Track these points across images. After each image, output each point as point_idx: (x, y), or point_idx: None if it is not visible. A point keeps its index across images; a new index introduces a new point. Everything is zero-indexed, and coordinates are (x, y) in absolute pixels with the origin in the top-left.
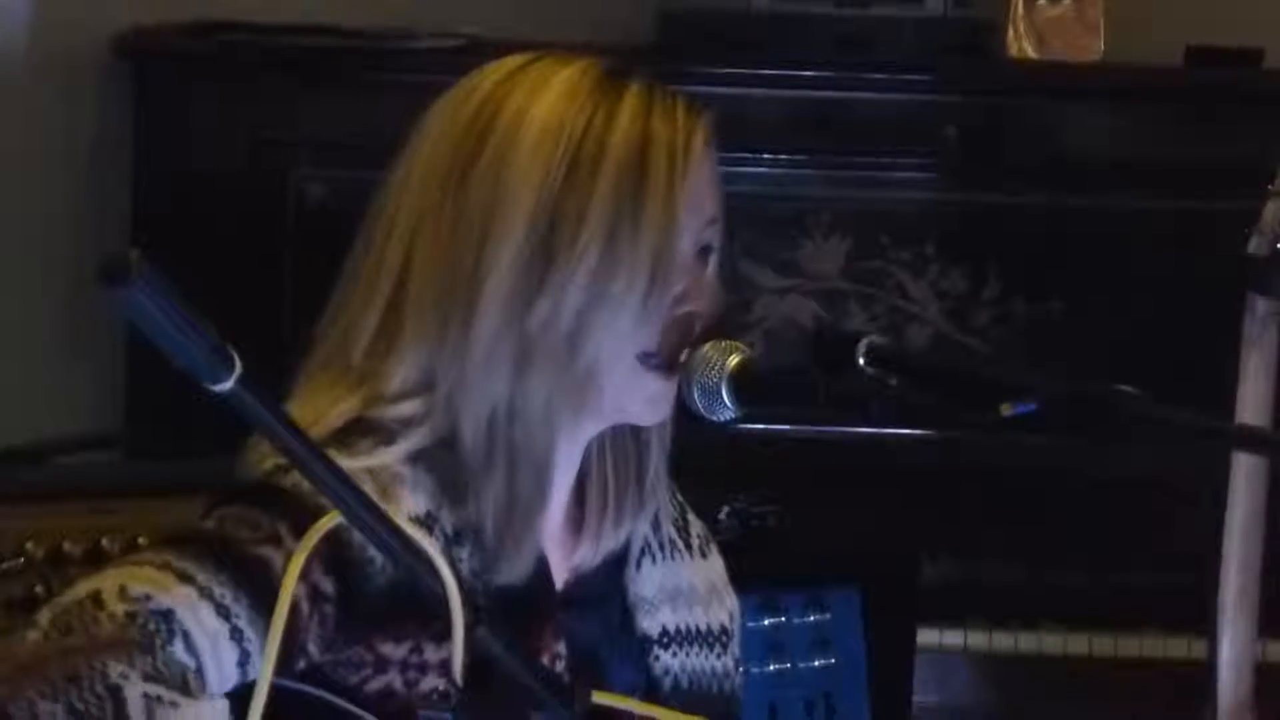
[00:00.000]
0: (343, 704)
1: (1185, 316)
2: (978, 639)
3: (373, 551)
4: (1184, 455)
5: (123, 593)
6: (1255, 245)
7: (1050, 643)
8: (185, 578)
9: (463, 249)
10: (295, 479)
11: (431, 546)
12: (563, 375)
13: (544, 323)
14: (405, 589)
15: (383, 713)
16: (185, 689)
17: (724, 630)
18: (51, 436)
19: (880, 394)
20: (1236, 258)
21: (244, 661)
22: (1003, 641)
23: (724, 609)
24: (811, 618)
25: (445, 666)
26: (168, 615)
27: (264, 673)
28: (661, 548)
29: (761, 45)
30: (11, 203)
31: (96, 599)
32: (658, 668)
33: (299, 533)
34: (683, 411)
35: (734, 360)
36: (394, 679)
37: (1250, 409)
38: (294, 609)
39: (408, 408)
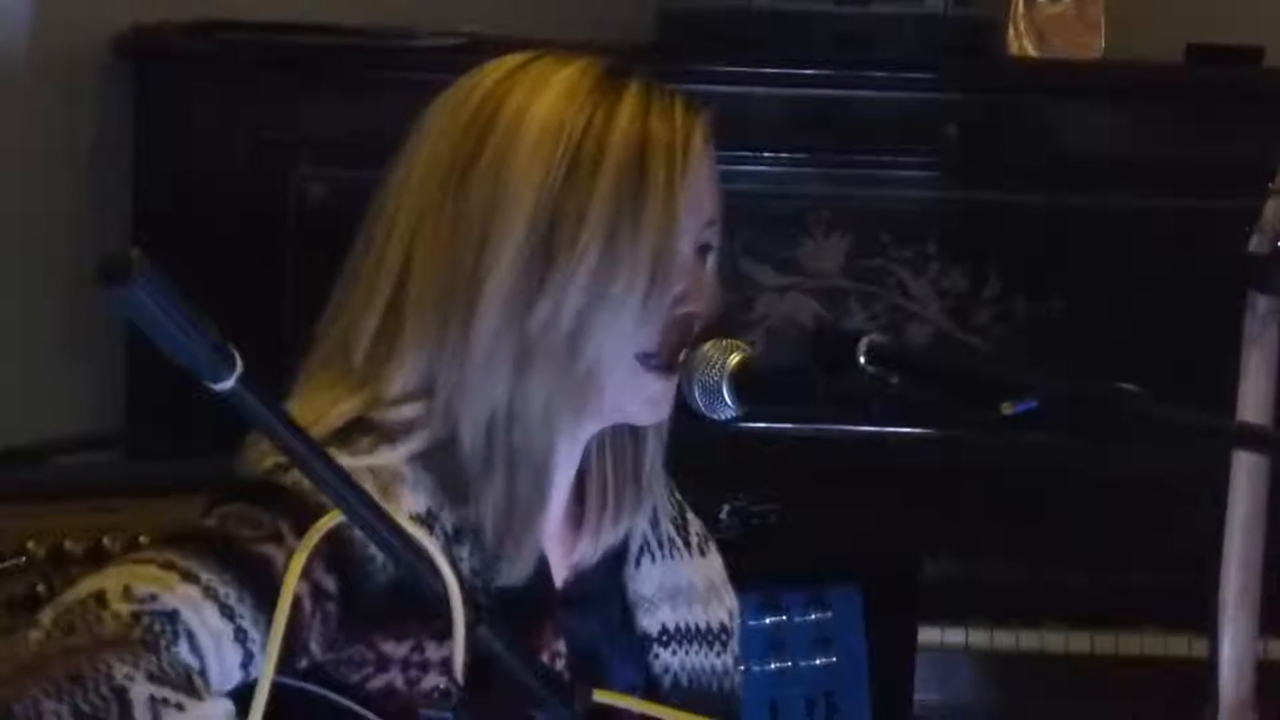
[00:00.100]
0: (345, 702)
1: (1186, 315)
2: (979, 637)
3: (374, 550)
4: (1185, 454)
5: (127, 592)
6: (1256, 243)
7: (1051, 641)
8: (189, 577)
9: (462, 249)
10: (295, 477)
11: (432, 545)
12: (563, 376)
13: (544, 323)
14: (407, 587)
15: (384, 711)
16: (190, 690)
17: (723, 628)
18: (52, 436)
19: (881, 392)
20: (1237, 256)
21: (247, 662)
22: (1004, 640)
23: (723, 607)
24: (812, 616)
25: (447, 665)
26: (172, 616)
27: (265, 671)
28: (660, 546)
29: (762, 43)
30: (12, 202)
31: (100, 598)
32: (657, 666)
33: (300, 531)
34: (683, 410)
35: (735, 359)
36: (395, 677)
37: (1251, 407)
38: (296, 607)
39: (408, 411)
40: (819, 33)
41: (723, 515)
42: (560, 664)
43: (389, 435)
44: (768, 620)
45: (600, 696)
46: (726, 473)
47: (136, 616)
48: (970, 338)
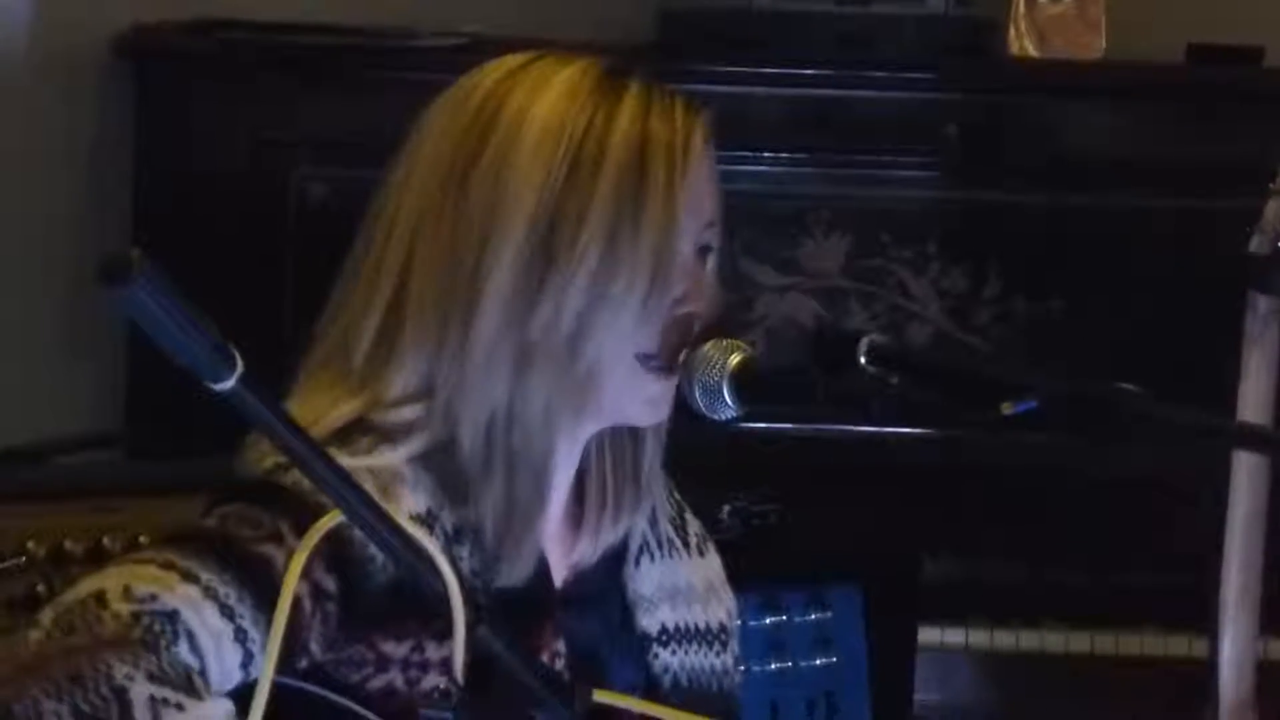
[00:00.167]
0: (345, 703)
1: (1186, 315)
2: (979, 637)
3: (374, 550)
4: (1185, 454)
5: (127, 592)
6: (1256, 244)
7: (1052, 641)
8: (189, 577)
9: (463, 250)
10: (295, 477)
11: (432, 545)
12: (562, 377)
13: (544, 325)
14: (407, 587)
15: (384, 711)
16: (190, 690)
17: (723, 628)
18: (52, 436)
19: (881, 393)
20: (1237, 256)
21: (247, 662)
22: (1004, 640)
23: (722, 607)
24: (813, 616)
25: (447, 665)
26: (172, 616)
27: (266, 671)
28: (660, 545)
29: (762, 43)
30: (12, 202)
31: (100, 598)
32: (657, 666)
33: (300, 531)
34: (683, 410)
35: (735, 359)
36: (395, 677)
37: (1251, 407)
38: (296, 607)
39: (408, 412)
40: (819, 33)
41: (723, 515)
42: (560, 664)
43: (389, 436)
44: (768, 620)
45: (600, 697)
46: (727, 473)
47: (136, 616)
48: (970, 338)
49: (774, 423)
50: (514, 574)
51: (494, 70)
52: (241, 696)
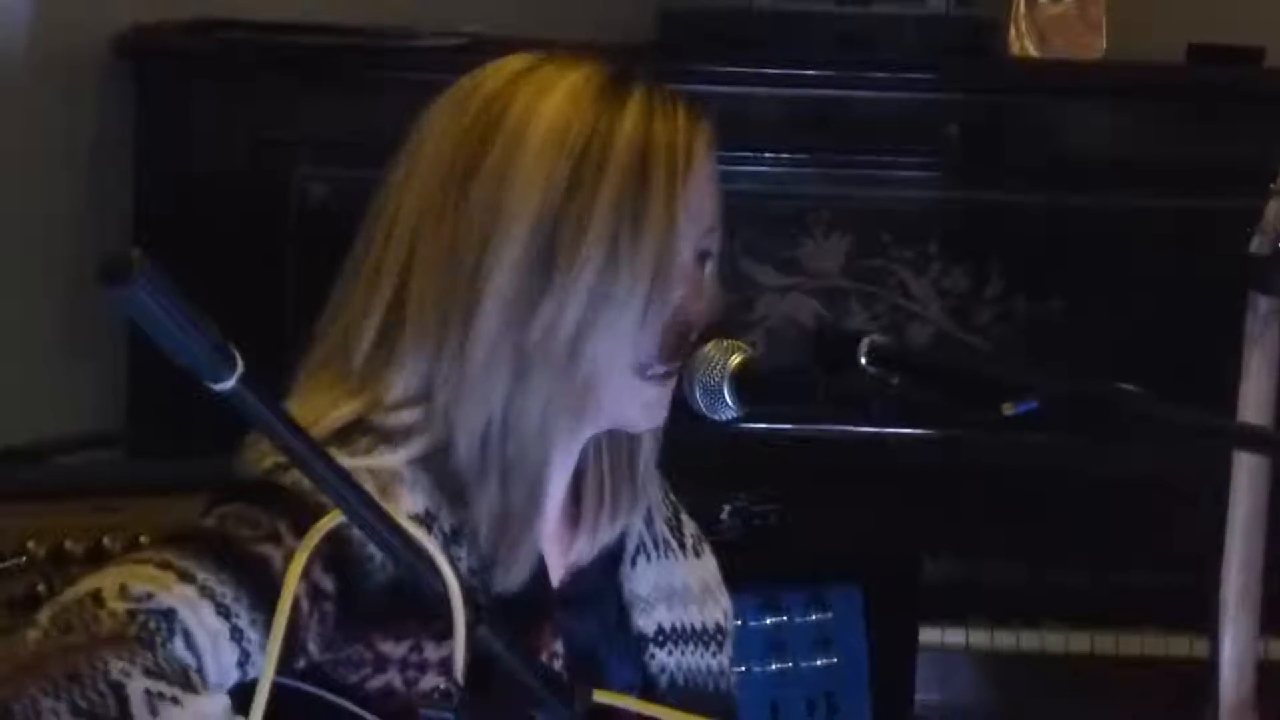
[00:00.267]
0: (344, 703)
1: (1187, 315)
2: (979, 637)
3: (372, 549)
4: (1185, 454)
5: (123, 591)
6: (1257, 244)
7: (1052, 641)
8: (186, 576)
9: (463, 254)
10: (294, 477)
11: (432, 545)
12: (560, 384)
13: (544, 331)
14: (405, 587)
15: (383, 711)
16: (187, 685)
17: (719, 629)
18: (53, 436)
19: (881, 393)
20: (1238, 256)
21: (244, 661)
22: (1004, 640)
23: (718, 608)
24: (813, 617)
25: (445, 665)
26: (168, 614)
27: (266, 671)
28: (656, 546)
29: (763, 43)
30: (12, 202)
31: (97, 597)
32: (654, 666)
33: (298, 531)
34: (684, 410)
35: (735, 359)
36: (394, 677)
37: (1252, 407)
38: (294, 607)
39: (407, 415)
40: (820, 33)
41: (723, 516)
42: (558, 664)
43: (388, 437)
44: (768, 621)
45: (600, 697)
46: (727, 473)
47: (133, 614)
48: (971, 338)
49: (774, 423)
50: (510, 578)
51: (497, 72)
52: (239, 696)
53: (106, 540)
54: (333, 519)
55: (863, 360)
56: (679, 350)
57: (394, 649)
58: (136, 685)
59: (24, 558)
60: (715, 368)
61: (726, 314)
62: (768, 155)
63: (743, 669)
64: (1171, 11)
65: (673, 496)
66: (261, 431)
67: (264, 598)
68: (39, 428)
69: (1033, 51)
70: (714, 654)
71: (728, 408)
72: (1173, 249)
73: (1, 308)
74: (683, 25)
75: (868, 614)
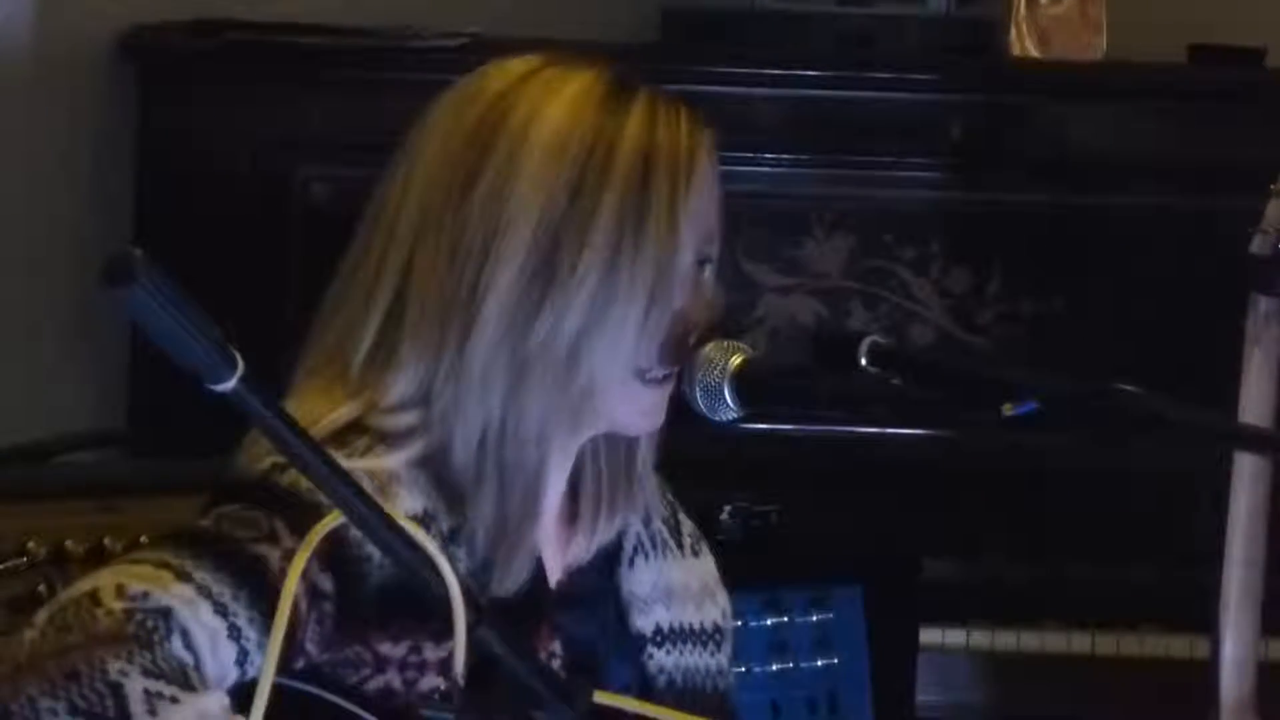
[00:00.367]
0: (343, 703)
1: (1188, 315)
2: (980, 638)
3: (370, 549)
4: (1187, 454)
5: (120, 591)
6: (1258, 244)
7: (1053, 641)
8: (183, 575)
9: (464, 259)
10: (293, 478)
11: (432, 545)
12: (558, 393)
13: (543, 341)
14: (403, 588)
15: (383, 712)
16: (186, 684)
17: (717, 628)
18: (54, 435)
19: (882, 394)
20: (1239, 257)
21: (242, 660)
22: (1005, 640)
23: (716, 607)
24: (814, 617)
25: (444, 666)
26: (166, 613)
27: (266, 671)
28: (654, 546)
29: (764, 44)
30: (14, 203)
31: (94, 597)
32: (652, 666)
33: (296, 532)
34: (685, 411)
35: (736, 360)
36: (393, 678)
37: (1253, 407)
38: (293, 607)
39: (405, 418)
40: (821, 33)
41: (724, 516)
42: (556, 665)
43: (386, 439)
44: (769, 621)
45: (600, 698)
46: (728, 474)
47: (130, 614)
48: (973, 338)
49: (775, 424)
50: (507, 583)
51: (500, 76)
52: (238, 696)
53: (108, 540)
54: (333, 519)
55: (863, 361)
56: (679, 354)
57: (392, 650)
58: (135, 685)
59: (25, 558)
60: (716, 369)
61: (727, 315)
62: (769, 156)
63: (743, 669)
64: (1172, 12)
65: (670, 496)
66: (262, 432)
67: (262, 597)
68: (40, 427)
69: (1033, 52)
70: (712, 654)
71: (728, 408)
72: (1174, 249)
73: (3, 308)
74: (684, 25)
75: (868, 614)
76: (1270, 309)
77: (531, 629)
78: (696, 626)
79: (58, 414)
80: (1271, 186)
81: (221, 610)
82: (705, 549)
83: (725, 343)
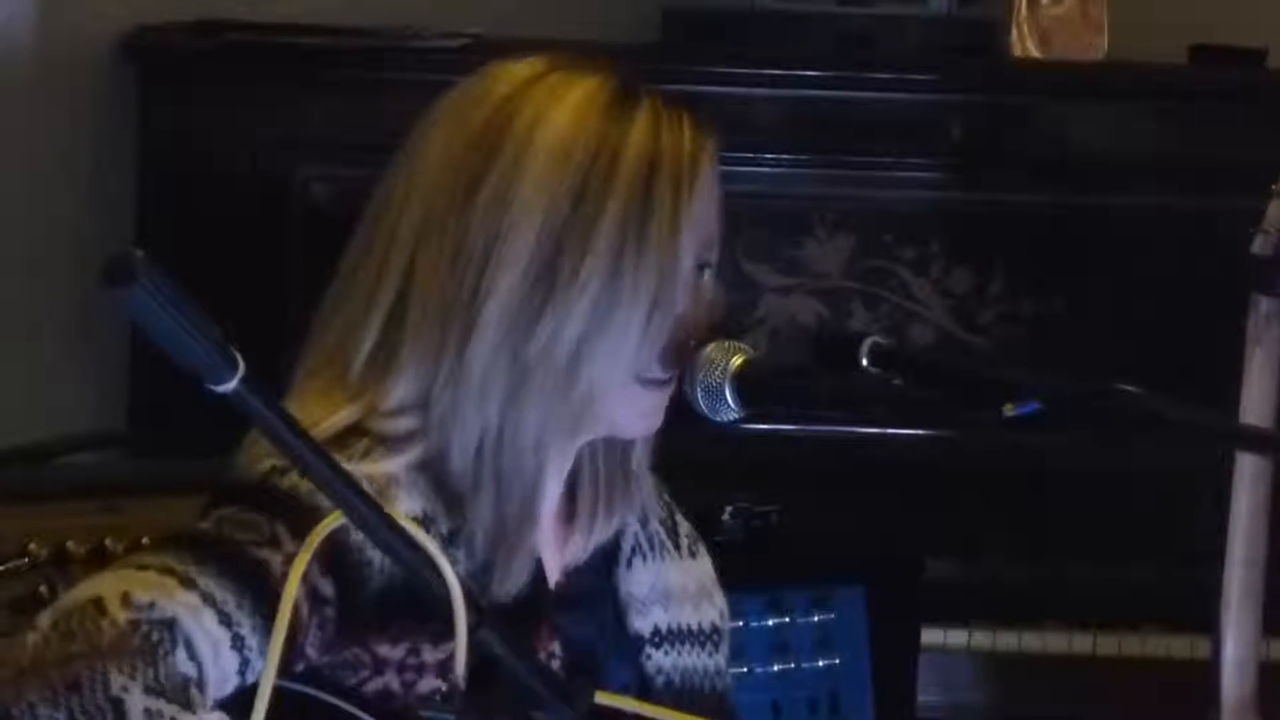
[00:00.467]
0: (342, 705)
1: (1189, 316)
2: (982, 638)
3: (371, 553)
4: (1188, 454)
5: (125, 600)
6: (1259, 245)
7: (1054, 642)
8: (188, 583)
9: (466, 264)
10: (293, 480)
11: (432, 546)
12: (558, 401)
13: (543, 348)
14: (404, 591)
15: (381, 713)
16: (186, 703)
17: (715, 629)
18: (55, 436)
19: (883, 394)
20: (1240, 257)
21: (243, 669)
22: (1007, 641)
23: (714, 608)
24: (815, 617)
25: (443, 667)
26: (170, 624)
27: (267, 675)
28: (651, 547)
29: (764, 44)
30: (15, 203)
31: (99, 605)
32: (649, 667)
33: (297, 535)
34: (686, 412)
35: (737, 361)
36: (391, 680)
37: (1254, 407)
38: (294, 612)
39: (404, 423)
40: (822, 33)
41: (725, 517)
42: (555, 665)
43: (385, 442)
44: (770, 621)
45: (601, 698)
46: (729, 474)
47: (135, 625)
48: (974, 338)
49: (776, 424)
50: (507, 585)
51: (504, 79)
52: (238, 700)
53: (109, 541)
54: (333, 521)
55: (864, 361)
56: (679, 358)
57: (391, 652)
58: (135, 702)
59: (26, 559)
60: (717, 369)
61: (728, 315)
62: (769, 156)
63: (745, 669)
64: (1173, 12)
65: (667, 497)
66: (262, 433)
67: (264, 602)
68: (40, 428)
69: (1034, 52)
70: (710, 654)
71: (729, 409)
72: (1175, 250)
73: (3, 308)
74: (684, 25)
75: (870, 615)
76: (1271, 309)
77: (531, 630)
78: (694, 627)
79: (58, 414)
80: (1272, 187)
81: (225, 620)
82: (702, 550)
83: (726, 343)
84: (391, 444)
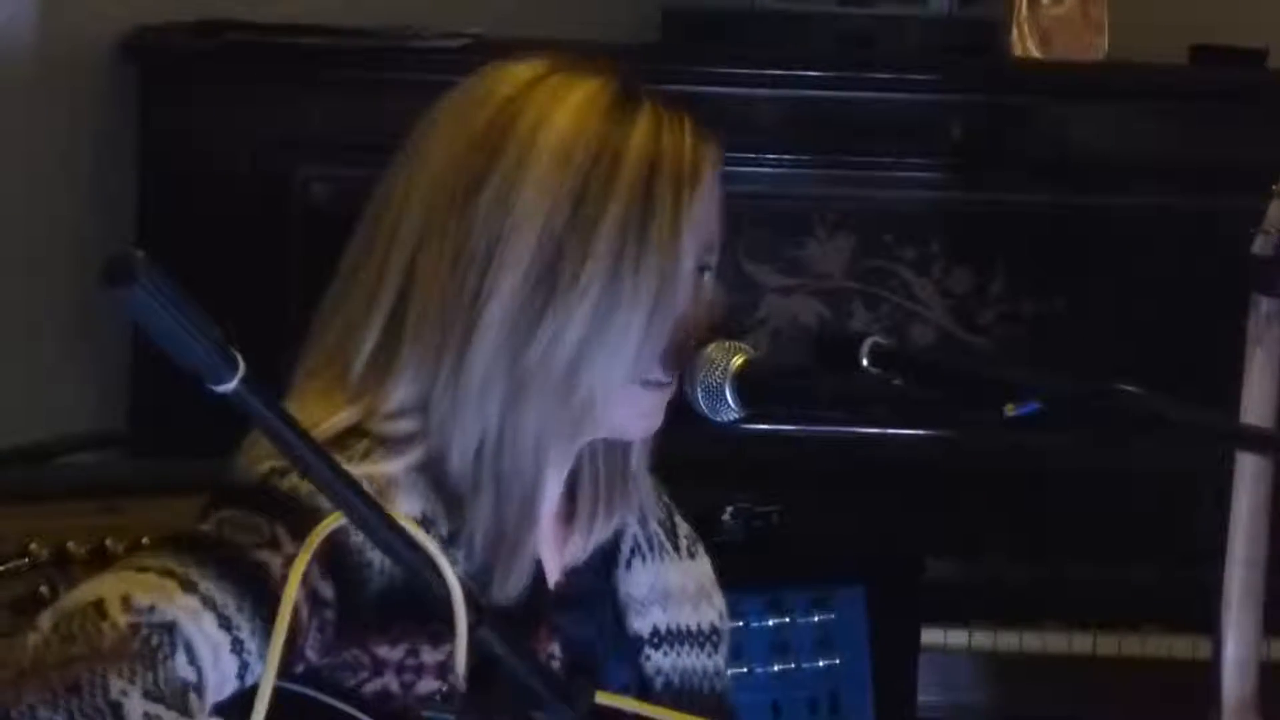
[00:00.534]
0: (341, 706)
1: (1190, 316)
2: (982, 638)
3: (371, 554)
4: (1188, 454)
5: (126, 603)
6: (1260, 245)
7: (1055, 642)
8: (188, 585)
9: (466, 266)
10: (293, 482)
11: (433, 546)
12: (558, 405)
13: (543, 352)
14: (402, 592)
15: (380, 714)
16: (185, 709)
17: (714, 630)
18: (55, 436)
19: (884, 394)
20: (1240, 257)
21: (242, 673)
22: (1007, 641)
23: (713, 609)
24: (816, 617)
25: (442, 668)
26: (171, 628)
27: (267, 676)
28: (650, 547)
29: (765, 44)
30: (16, 203)
31: (99, 608)
32: (649, 667)
33: (298, 537)
34: (686, 412)
35: (738, 361)
36: (390, 681)
37: (1254, 407)
38: (294, 614)
39: (404, 425)
40: (822, 33)
41: (726, 517)
42: (555, 666)
43: (384, 444)
44: (771, 622)
45: (602, 698)
46: (729, 474)
47: (135, 628)
48: (975, 338)
49: (777, 424)
50: (507, 587)
51: (506, 80)
52: (237, 702)
53: (109, 542)
54: (333, 522)
55: (865, 361)
56: (679, 361)
57: (390, 653)
58: (135, 706)
59: (26, 559)
60: (717, 369)
61: (729, 315)
62: (770, 156)
63: (745, 670)
64: (1174, 13)
65: (666, 498)
66: (263, 433)
67: (264, 604)
68: (40, 428)
69: (1035, 52)
70: (709, 655)
71: (730, 409)
72: (1175, 250)
73: (3, 308)
74: (684, 25)
75: (870, 615)
76: (1272, 309)
77: (530, 630)
78: (693, 628)
79: (58, 414)
80: (1273, 187)
81: (225, 624)
82: (701, 550)
83: (727, 343)
84: (391, 445)
